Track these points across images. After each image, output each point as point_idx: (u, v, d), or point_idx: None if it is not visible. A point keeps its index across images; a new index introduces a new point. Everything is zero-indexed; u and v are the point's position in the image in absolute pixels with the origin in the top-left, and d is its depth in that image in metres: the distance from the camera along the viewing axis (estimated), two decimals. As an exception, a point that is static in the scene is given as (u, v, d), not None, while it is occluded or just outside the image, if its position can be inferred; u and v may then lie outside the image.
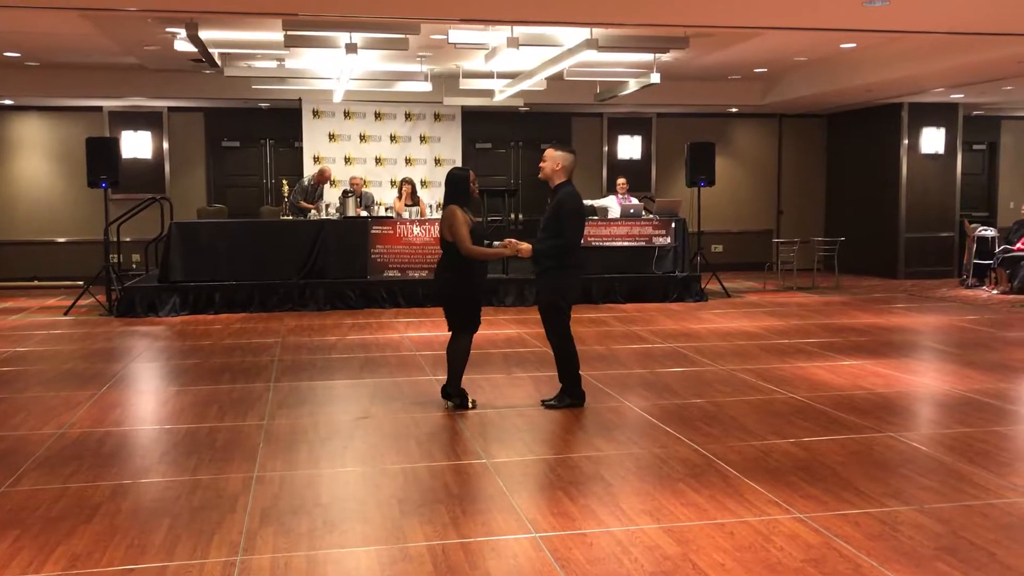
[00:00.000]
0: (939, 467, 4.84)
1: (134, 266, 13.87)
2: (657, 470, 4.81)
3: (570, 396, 6.20)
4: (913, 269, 15.07)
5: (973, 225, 13.99)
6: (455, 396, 6.16)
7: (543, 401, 6.26)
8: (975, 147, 17.06)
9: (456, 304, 6.10)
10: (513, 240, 6.17)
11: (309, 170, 14.32)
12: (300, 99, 14.04)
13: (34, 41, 10.68)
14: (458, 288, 6.07)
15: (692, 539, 3.84)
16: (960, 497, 4.35)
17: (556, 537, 3.88)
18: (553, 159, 6.06)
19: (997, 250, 13.25)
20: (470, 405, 6.13)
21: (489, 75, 12.22)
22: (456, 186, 6.11)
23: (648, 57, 10.72)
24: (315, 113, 14.29)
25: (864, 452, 5.11)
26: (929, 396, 6.68)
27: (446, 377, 6.23)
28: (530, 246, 6.03)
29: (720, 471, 4.77)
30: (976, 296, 12.57)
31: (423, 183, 14.18)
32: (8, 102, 14.04)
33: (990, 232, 13.77)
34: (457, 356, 6.13)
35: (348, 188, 12.72)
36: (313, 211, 12.38)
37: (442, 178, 15.24)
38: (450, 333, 6.17)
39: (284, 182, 12.95)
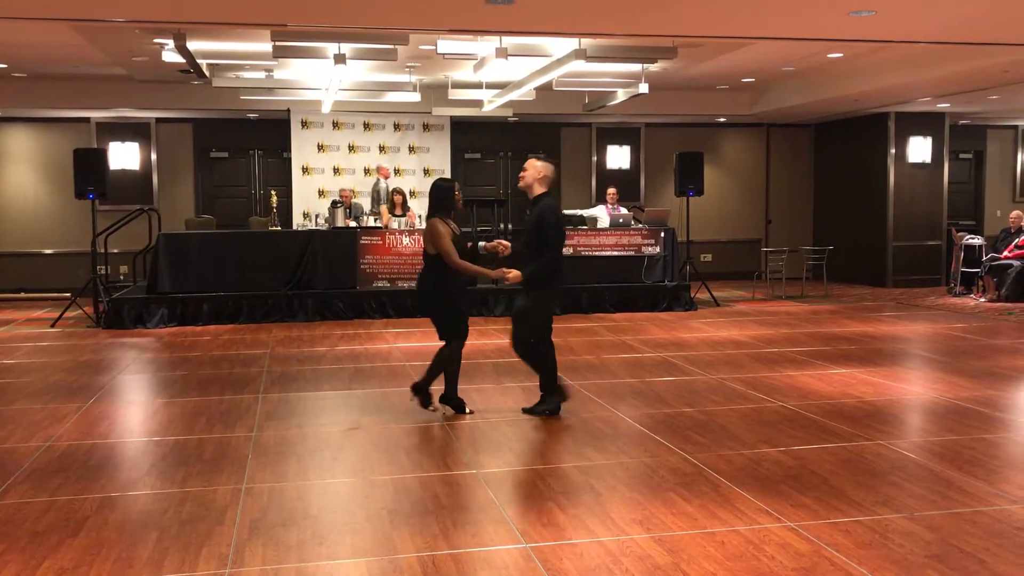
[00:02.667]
0: (929, 475, 4.85)
1: (122, 277, 13.80)
2: (647, 479, 4.80)
3: (556, 395, 6.25)
4: (901, 277, 15.14)
5: (960, 233, 14.06)
6: (422, 394, 6.27)
7: (524, 408, 6.31)
8: (962, 156, 17.17)
9: (442, 315, 6.15)
10: (504, 269, 6.09)
11: (298, 180, 14.31)
12: (288, 109, 14.04)
13: (21, 52, 10.65)
14: (441, 299, 6.12)
15: (683, 548, 3.83)
16: (950, 505, 4.35)
17: (547, 547, 3.87)
18: (535, 168, 6.10)
19: (984, 258, 13.33)
20: (431, 408, 6.24)
21: (478, 85, 12.24)
22: (440, 197, 6.16)
23: (636, 67, 10.76)
24: (304, 123, 14.29)
25: (854, 460, 5.12)
26: (918, 404, 6.70)
27: (443, 386, 6.30)
28: (519, 273, 6.03)
29: (711, 480, 4.76)
30: (964, 304, 12.63)
31: (412, 193, 14.18)
32: (-5, 113, 14.01)
33: (977, 240, 13.85)
34: (441, 361, 6.19)
35: (337, 199, 12.70)
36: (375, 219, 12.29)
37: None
38: (443, 343, 6.22)
39: (273, 193, 12.93)
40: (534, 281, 6.07)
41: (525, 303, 6.16)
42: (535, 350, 6.16)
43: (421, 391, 6.27)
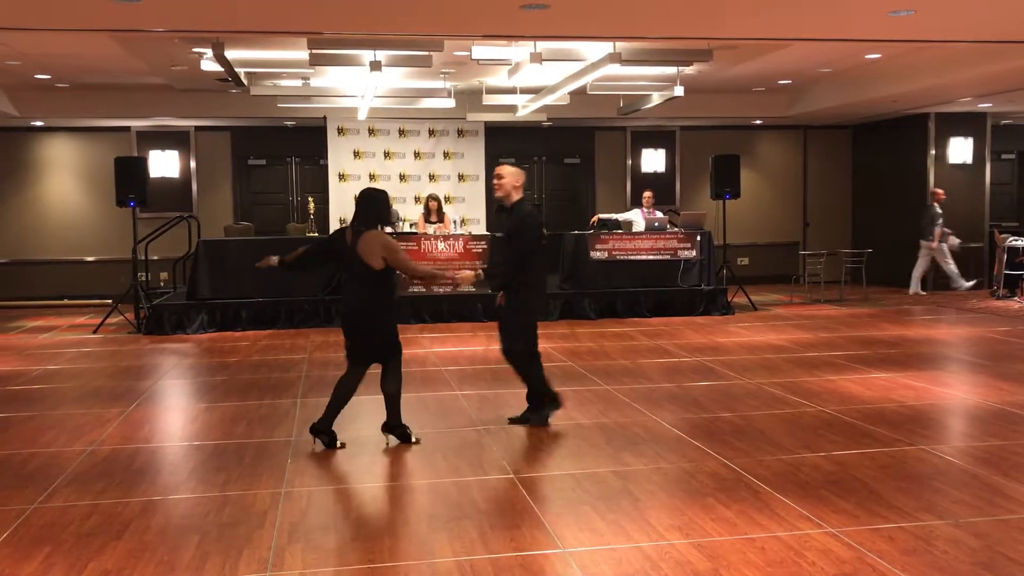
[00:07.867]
0: (973, 480, 4.77)
1: (162, 284, 13.99)
2: (686, 485, 4.77)
3: (552, 403, 6.16)
4: (943, 280, 14.89)
5: (1003, 235, 13.82)
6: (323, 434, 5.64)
7: (511, 418, 6.20)
8: (1004, 156, 16.87)
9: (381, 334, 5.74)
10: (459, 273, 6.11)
11: (334, 187, 14.40)
12: (325, 117, 14.13)
13: (64, 63, 10.84)
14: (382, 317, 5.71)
15: (723, 554, 3.80)
16: (995, 511, 4.28)
17: (585, 553, 3.86)
18: (512, 175, 6.07)
19: (1028, 260, 13.09)
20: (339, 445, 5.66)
21: (512, 90, 12.25)
22: (380, 208, 5.75)
23: (671, 70, 10.71)
24: (340, 131, 14.38)
25: (896, 465, 5.04)
26: (961, 408, 6.59)
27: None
28: (470, 274, 6.03)
29: (750, 485, 4.72)
30: (1007, 307, 12.41)
31: (447, 199, 14.21)
32: (39, 123, 14.24)
33: (1021, 242, 13.60)
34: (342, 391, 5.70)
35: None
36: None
37: (465, 193, 15.28)
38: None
39: (310, 199, 13.03)
40: (508, 288, 6.05)
41: (504, 311, 6.13)
42: (520, 360, 6.09)
43: (323, 431, 5.62)
